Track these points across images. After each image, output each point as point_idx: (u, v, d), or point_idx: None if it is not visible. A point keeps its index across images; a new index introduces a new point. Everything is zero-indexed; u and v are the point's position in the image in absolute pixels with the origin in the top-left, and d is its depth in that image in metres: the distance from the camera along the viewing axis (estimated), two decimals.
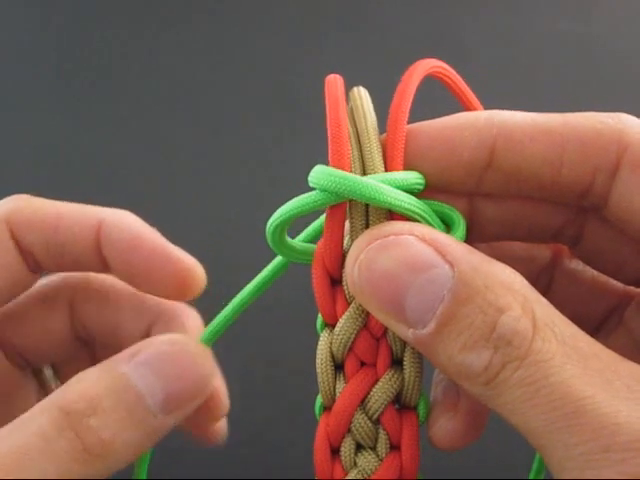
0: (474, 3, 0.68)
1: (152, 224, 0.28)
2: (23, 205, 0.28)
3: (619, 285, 0.27)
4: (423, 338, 0.21)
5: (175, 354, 0.24)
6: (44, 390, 0.31)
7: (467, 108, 0.27)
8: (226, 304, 0.26)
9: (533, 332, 0.20)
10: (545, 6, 0.69)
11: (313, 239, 0.26)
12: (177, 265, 0.27)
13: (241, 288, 0.26)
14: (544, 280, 0.28)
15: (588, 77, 0.65)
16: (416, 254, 0.21)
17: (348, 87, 0.25)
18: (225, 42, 0.66)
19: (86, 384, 0.23)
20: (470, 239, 0.24)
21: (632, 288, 0.27)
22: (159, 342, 0.25)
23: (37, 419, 0.22)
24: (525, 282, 0.21)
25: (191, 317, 0.29)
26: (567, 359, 0.20)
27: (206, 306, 0.29)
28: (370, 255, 0.22)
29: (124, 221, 0.27)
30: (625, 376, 0.20)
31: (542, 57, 0.66)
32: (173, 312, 0.29)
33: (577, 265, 0.28)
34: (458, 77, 0.26)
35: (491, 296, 0.20)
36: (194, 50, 0.66)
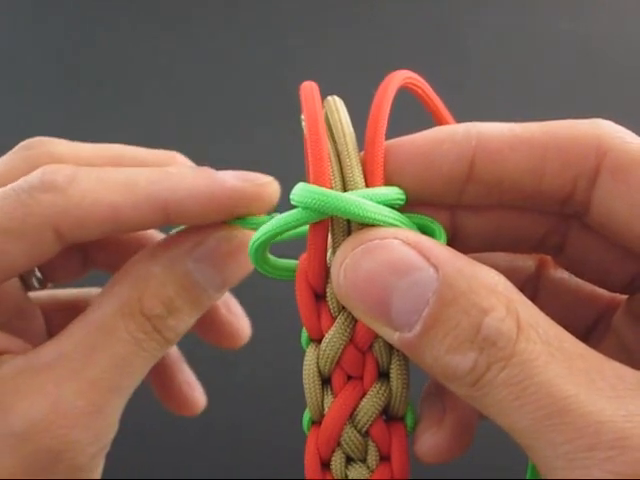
0: (474, 3, 0.70)
1: None
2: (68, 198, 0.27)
3: (605, 292, 0.29)
4: (409, 341, 0.23)
5: (231, 249, 0.28)
6: (27, 287, 0.33)
7: (439, 120, 0.28)
8: None
9: (517, 333, 0.22)
10: (545, 6, 0.71)
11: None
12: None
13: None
14: (529, 291, 0.29)
15: (588, 77, 0.67)
16: (400, 257, 0.23)
17: (325, 91, 0.26)
18: (216, 44, 0.69)
19: (157, 286, 0.27)
20: None
21: (618, 295, 0.29)
22: (212, 238, 0.28)
23: (124, 326, 0.26)
24: (509, 283, 0.23)
25: None
26: (551, 359, 0.21)
27: None
28: (355, 259, 0.23)
29: None
30: (609, 375, 0.21)
31: (542, 57, 0.68)
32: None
33: (562, 274, 0.29)
34: (430, 89, 0.27)
35: (475, 298, 0.22)
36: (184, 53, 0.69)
